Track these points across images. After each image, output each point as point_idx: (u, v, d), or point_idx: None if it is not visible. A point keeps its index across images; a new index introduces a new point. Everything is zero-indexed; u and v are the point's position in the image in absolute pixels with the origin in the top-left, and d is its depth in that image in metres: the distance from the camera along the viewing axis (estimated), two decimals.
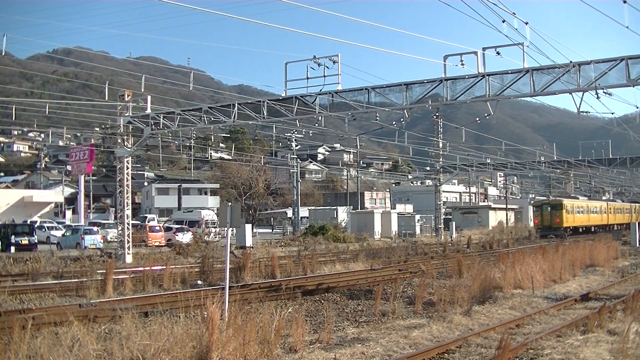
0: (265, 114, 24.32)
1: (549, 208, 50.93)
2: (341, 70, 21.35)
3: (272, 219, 75.39)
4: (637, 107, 25.50)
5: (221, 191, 74.96)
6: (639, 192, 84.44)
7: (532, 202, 65.28)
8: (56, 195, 62.47)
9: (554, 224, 49.53)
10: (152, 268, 19.60)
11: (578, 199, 61.33)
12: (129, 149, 28.12)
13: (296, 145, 55.44)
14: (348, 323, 12.69)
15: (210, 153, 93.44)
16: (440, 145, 48.54)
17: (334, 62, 21.15)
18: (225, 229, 13.39)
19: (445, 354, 9.71)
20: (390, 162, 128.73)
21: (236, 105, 24.73)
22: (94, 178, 70.60)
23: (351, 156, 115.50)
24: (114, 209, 53.36)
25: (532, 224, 57.51)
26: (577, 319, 11.92)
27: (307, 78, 21.72)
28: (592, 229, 55.01)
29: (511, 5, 15.25)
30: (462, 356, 9.66)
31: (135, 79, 40.43)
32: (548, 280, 18.41)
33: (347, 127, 35.73)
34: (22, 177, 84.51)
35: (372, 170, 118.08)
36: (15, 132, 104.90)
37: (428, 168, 74.67)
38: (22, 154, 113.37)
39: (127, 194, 27.89)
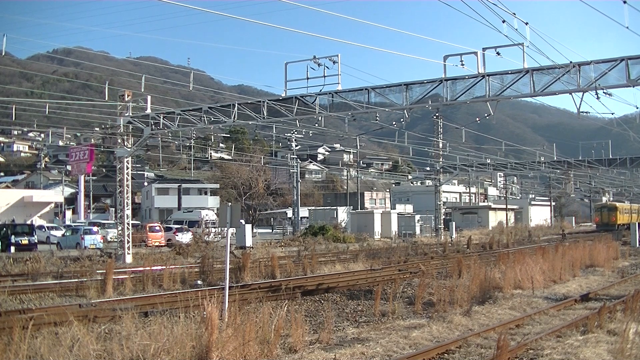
0: (265, 114, 24.32)
1: (607, 210, 65.87)
2: (341, 71, 21.38)
3: (272, 219, 75.39)
4: (637, 108, 25.59)
5: (221, 191, 74.96)
6: (639, 192, 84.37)
7: (594, 205, 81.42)
8: (56, 195, 62.41)
9: (610, 222, 62.79)
10: (152, 268, 19.62)
11: (624, 202, 75.71)
12: (129, 149, 28.14)
13: (296, 146, 55.38)
14: (348, 323, 12.69)
15: (210, 153, 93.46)
16: (440, 145, 48.48)
17: (334, 62, 21.15)
18: (225, 229, 13.39)
19: (445, 354, 9.71)
20: (390, 163, 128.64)
21: (236, 105, 24.73)
22: (94, 178, 70.59)
23: (351, 156, 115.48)
24: (113, 209, 53.34)
25: (594, 222, 72.90)
26: (577, 320, 11.93)
27: (307, 78, 21.74)
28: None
29: (511, 6, 15.23)
30: (462, 356, 9.66)
31: (135, 79, 40.42)
32: (548, 281, 18.41)
33: (347, 127, 35.70)
34: (22, 177, 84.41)
35: (372, 170, 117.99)
36: (15, 132, 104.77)
37: (428, 168, 74.57)
38: (22, 154, 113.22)
39: (127, 194, 27.91)
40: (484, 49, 19.88)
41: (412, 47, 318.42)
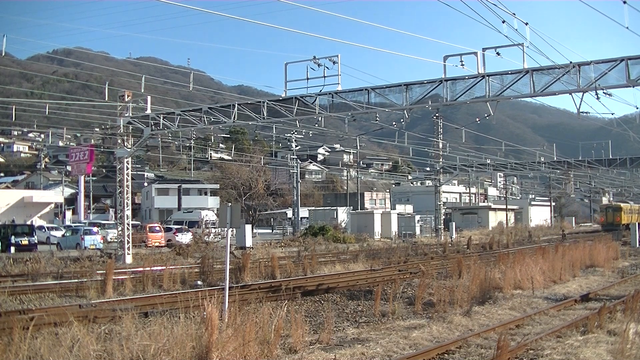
0: (265, 115, 24.33)
1: (611, 210, 67.42)
2: (341, 71, 21.40)
3: (272, 219, 75.37)
4: (637, 108, 25.70)
5: (221, 192, 74.94)
6: (639, 192, 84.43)
7: (599, 206, 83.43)
8: (56, 195, 62.45)
9: (615, 222, 63.80)
10: (152, 268, 19.62)
11: (629, 203, 76.95)
12: (128, 150, 28.14)
13: (296, 146, 55.31)
14: (348, 323, 12.69)
15: (210, 153, 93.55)
16: (440, 145, 48.47)
17: (334, 63, 21.16)
18: (225, 229, 13.39)
19: (445, 355, 9.71)
20: (390, 163, 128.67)
21: (236, 105, 24.75)
22: (93, 178, 70.60)
23: (351, 157, 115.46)
24: (114, 209, 53.38)
25: (599, 222, 74.29)
26: (577, 320, 11.93)
27: (307, 78, 21.76)
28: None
29: (511, 6, 15.23)
30: (461, 357, 9.66)
31: (135, 80, 40.41)
32: (548, 281, 18.42)
33: (347, 128, 35.71)
34: (22, 177, 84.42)
35: (372, 170, 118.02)
36: (15, 133, 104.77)
37: (428, 168, 74.55)
38: (22, 155, 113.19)
39: (127, 194, 27.91)
40: (484, 49, 19.91)
41: (412, 47, 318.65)
